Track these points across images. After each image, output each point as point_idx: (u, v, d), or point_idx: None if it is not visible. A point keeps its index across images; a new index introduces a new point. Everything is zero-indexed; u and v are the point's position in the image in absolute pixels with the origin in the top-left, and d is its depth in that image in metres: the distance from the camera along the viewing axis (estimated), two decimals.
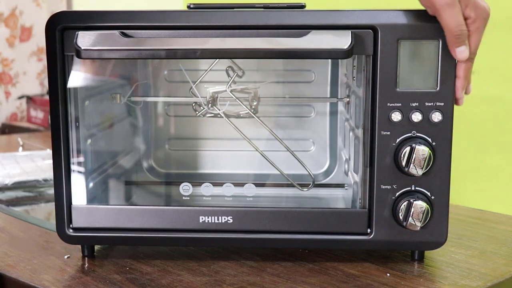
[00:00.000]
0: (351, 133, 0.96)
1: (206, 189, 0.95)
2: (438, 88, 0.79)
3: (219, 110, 0.97)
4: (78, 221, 0.84)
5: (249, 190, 0.95)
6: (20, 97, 3.64)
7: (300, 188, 0.96)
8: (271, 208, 0.84)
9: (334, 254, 0.88)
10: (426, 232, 0.81)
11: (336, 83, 1.07)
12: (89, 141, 0.92)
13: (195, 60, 1.04)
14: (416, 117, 0.79)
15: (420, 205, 0.79)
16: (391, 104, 0.79)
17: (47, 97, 3.13)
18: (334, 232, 0.83)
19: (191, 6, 0.82)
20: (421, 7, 0.78)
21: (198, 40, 0.79)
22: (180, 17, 0.80)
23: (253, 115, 0.96)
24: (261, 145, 1.00)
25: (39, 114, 3.45)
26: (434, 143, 0.80)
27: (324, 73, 1.08)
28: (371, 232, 0.82)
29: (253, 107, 0.97)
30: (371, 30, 0.78)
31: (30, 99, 3.56)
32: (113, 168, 1.04)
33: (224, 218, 0.83)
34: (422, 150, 0.78)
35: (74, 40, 0.78)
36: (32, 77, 3.74)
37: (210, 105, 0.97)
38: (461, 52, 0.77)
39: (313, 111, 1.10)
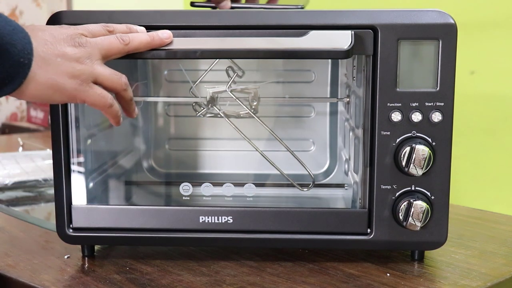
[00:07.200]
0: (351, 133, 0.96)
1: (206, 189, 0.95)
2: (438, 88, 0.79)
3: (219, 110, 0.97)
4: (78, 221, 0.84)
5: (249, 190, 0.95)
6: None
7: (300, 188, 0.96)
8: (271, 208, 0.84)
9: (334, 254, 0.88)
10: (426, 232, 0.81)
11: (336, 83, 1.07)
12: (89, 141, 0.92)
13: (195, 60, 1.04)
14: (416, 117, 0.79)
15: (420, 205, 0.79)
16: (391, 104, 0.79)
17: None
18: (334, 232, 0.83)
19: (195, 4, 0.83)
20: (421, 7, 0.78)
21: (198, 40, 0.79)
22: (180, 17, 0.80)
23: (253, 115, 0.96)
24: (261, 145, 1.00)
25: (39, 114, 3.45)
26: (434, 143, 0.80)
27: (324, 73, 1.08)
28: (371, 232, 0.82)
29: (253, 107, 0.97)
30: (371, 30, 0.78)
31: None
32: (113, 168, 1.04)
33: (224, 218, 0.83)
34: (422, 150, 0.78)
35: None
36: None
37: (210, 105, 0.97)
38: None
39: (313, 111, 1.10)
